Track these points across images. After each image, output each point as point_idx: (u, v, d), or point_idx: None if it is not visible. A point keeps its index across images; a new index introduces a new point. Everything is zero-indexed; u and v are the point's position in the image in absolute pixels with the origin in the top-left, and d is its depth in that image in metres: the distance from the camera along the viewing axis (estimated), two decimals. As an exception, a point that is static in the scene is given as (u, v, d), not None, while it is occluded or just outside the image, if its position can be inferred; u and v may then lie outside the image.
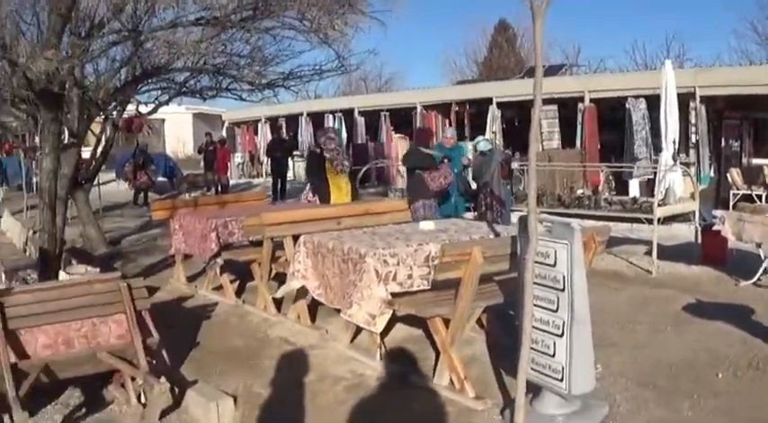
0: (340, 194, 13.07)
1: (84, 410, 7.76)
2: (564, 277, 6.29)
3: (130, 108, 17.49)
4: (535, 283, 6.28)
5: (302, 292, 9.57)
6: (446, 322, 7.53)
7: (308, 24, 11.80)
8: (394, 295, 7.91)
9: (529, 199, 6.26)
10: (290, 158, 28.91)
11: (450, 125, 27.31)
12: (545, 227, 6.51)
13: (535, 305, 6.34)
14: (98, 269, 11.44)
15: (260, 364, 8.69)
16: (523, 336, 6.19)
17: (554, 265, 6.36)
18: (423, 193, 13.03)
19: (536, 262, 6.26)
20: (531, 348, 6.36)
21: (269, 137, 34.35)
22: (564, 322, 6.29)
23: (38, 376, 7.22)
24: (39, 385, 7.31)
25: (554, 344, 6.40)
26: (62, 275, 10.41)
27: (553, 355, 6.41)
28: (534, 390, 6.69)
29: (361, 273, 7.92)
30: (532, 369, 6.48)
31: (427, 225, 9.47)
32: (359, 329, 8.63)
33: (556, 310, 6.36)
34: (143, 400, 7.73)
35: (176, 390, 7.70)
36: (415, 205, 12.91)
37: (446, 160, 13.35)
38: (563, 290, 6.29)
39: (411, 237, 8.78)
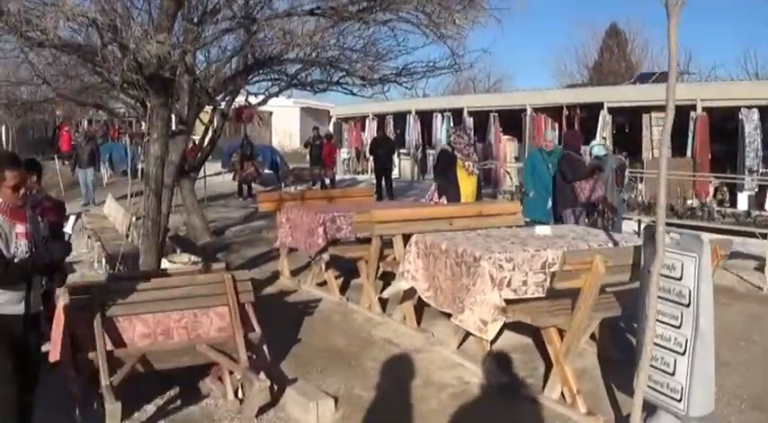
0: (467, 197, 12.59)
1: (178, 402, 7.73)
2: (690, 292, 5.97)
3: (240, 98, 17.45)
4: (658, 296, 5.94)
5: (409, 292, 9.26)
6: (561, 333, 7.19)
7: (425, 19, 11.56)
8: (507, 302, 7.58)
9: (657, 209, 5.97)
10: (394, 156, 28.61)
11: (563, 129, 26.81)
12: (672, 238, 6.15)
13: (657, 320, 5.99)
14: (200, 259, 11.39)
15: (362, 365, 8.48)
16: (643, 352, 5.93)
17: (680, 278, 6.04)
18: (572, 202, 12.82)
19: (661, 275, 5.91)
20: (650, 365, 6.03)
21: (375, 134, 34.26)
22: (687, 340, 5.99)
23: (133, 366, 7.13)
24: (134, 375, 7.23)
25: (674, 362, 6.10)
26: (164, 263, 10.34)
27: (673, 374, 6.12)
28: (648, 408, 6.41)
29: (474, 277, 7.60)
30: (649, 387, 6.18)
31: (543, 230, 9.10)
32: (466, 334, 8.31)
33: (679, 327, 6.05)
34: (240, 395, 7.65)
35: (275, 387, 7.56)
36: (565, 212, 12.78)
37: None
38: (688, 305, 5.98)
39: (527, 241, 8.39)
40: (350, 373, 8.25)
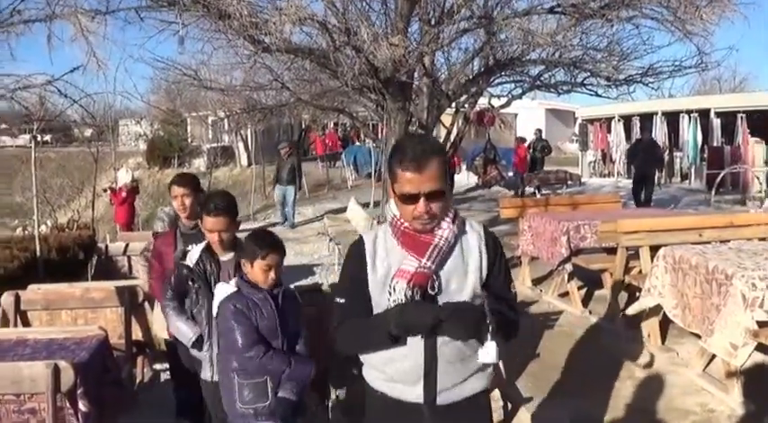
0: None
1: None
2: None
3: (482, 100, 17.18)
4: None
5: (655, 307, 8.67)
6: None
7: (670, 15, 11.03)
8: (760, 324, 6.85)
9: None
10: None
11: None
12: None
13: None
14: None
15: (601, 386, 7.97)
16: None
17: None
18: None
19: None
20: None
21: (622, 135, 33.44)
22: None
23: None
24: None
25: None
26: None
27: None
28: None
29: (725, 296, 6.97)
30: None
31: (800, 243, 8.30)
32: (713, 355, 7.68)
33: None
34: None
35: (509, 406, 7.24)
36: None
37: None
38: None
39: (781, 256, 7.65)
40: (587, 393, 7.79)
